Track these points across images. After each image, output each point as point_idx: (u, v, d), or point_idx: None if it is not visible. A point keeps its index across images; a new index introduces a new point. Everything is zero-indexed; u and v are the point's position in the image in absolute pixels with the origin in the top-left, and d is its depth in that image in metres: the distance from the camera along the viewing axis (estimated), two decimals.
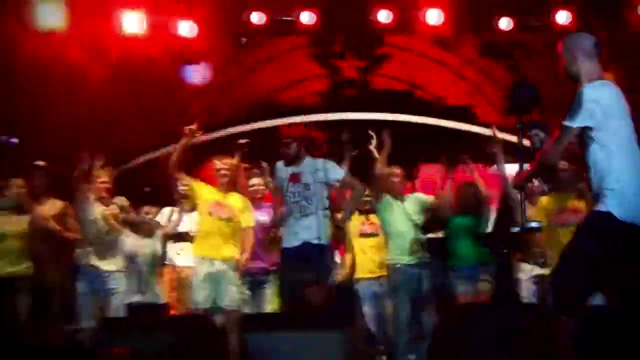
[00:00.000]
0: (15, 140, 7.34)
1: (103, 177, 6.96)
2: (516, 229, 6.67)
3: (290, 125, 8.95)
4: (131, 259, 6.94)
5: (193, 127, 6.49)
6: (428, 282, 7.10)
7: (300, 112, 10.66)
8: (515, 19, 9.38)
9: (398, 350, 6.74)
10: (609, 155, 3.78)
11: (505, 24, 9.38)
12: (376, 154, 7.16)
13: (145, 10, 9.21)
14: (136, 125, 9.97)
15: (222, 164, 6.80)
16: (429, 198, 7.35)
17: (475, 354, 4.76)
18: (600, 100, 3.76)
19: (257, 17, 9.46)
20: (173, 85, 10.27)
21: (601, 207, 3.71)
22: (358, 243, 7.33)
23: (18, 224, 7.00)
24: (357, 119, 10.25)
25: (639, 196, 3.73)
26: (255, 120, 10.37)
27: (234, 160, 6.78)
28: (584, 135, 3.80)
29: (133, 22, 9.24)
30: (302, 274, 5.98)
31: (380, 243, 7.33)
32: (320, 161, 6.27)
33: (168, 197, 7.33)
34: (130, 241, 6.95)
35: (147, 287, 6.95)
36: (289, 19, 9.65)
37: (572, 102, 3.81)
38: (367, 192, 7.08)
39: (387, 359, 6.96)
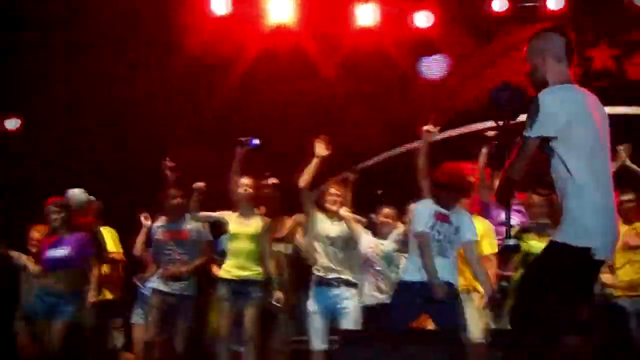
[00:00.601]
0: (257, 141, 7.31)
1: (334, 189, 6.93)
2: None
3: None
4: (367, 259, 6.95)
5: (431, 127, 6.46)
6: None
7: None
8: None
9: None
10: (568, 171, 3.65)
11: None
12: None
13: (378, 1, 9.30)
14: (368, 123, 9.96)
15: None
16: None
17: None
18: (563, 105, 3.62)
19: (499, 5, 9.41)
20: (408, 80, 10.24)
21: (558, 237, 3.67)
22: (622, 257, 6.92)
23: (249, 226, 7.15)
24: (612, 114, 9.56)
25: (597, 215, 3.60)
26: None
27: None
28: (545, 147, 3.70)
29: (366, 14, 9.34)
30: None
31: None
32: (467, 216, 6.38)
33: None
34: (365, 242, 6.91)
35: (388, 287, 6.91)
36: (535, 4, 9.55)
37: (530, 110, 3.67)
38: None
39: None
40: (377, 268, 7.00)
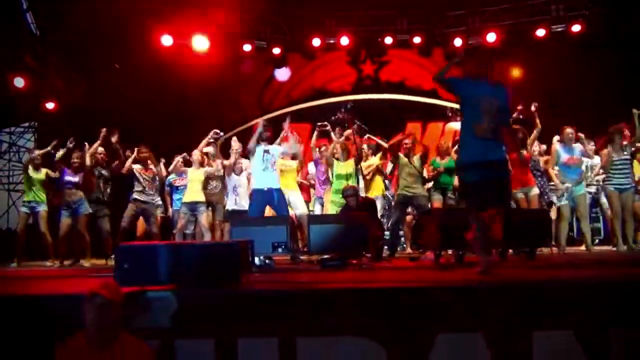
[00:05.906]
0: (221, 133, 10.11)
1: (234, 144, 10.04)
2: None
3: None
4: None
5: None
6: None
7: (338, 95, 14.40)
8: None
9: None
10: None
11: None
12: None
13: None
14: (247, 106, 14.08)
15: None
16: None
17: None
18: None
19: (317, 41, 14.02)
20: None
21: None
22: None
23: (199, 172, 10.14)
24: (371, 99, 14.49)
25: None
26: (312, 101, 14.72)
27: None
28: None
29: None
30: None
31: None
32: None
33: None
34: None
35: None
36: (334, 41, 14.01)
37: None
38: None
39: None
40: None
